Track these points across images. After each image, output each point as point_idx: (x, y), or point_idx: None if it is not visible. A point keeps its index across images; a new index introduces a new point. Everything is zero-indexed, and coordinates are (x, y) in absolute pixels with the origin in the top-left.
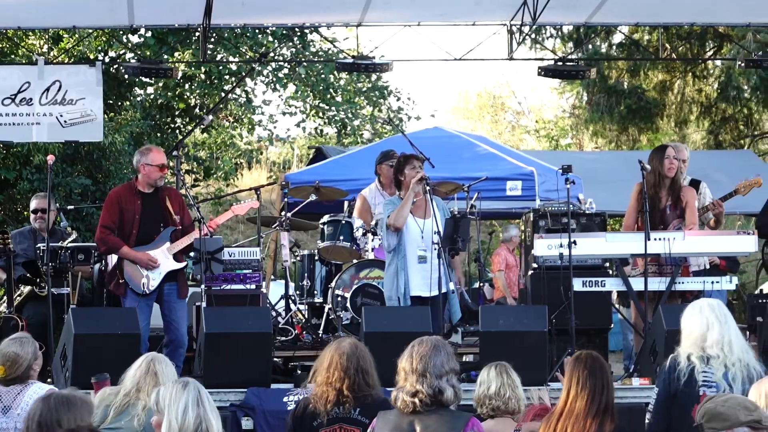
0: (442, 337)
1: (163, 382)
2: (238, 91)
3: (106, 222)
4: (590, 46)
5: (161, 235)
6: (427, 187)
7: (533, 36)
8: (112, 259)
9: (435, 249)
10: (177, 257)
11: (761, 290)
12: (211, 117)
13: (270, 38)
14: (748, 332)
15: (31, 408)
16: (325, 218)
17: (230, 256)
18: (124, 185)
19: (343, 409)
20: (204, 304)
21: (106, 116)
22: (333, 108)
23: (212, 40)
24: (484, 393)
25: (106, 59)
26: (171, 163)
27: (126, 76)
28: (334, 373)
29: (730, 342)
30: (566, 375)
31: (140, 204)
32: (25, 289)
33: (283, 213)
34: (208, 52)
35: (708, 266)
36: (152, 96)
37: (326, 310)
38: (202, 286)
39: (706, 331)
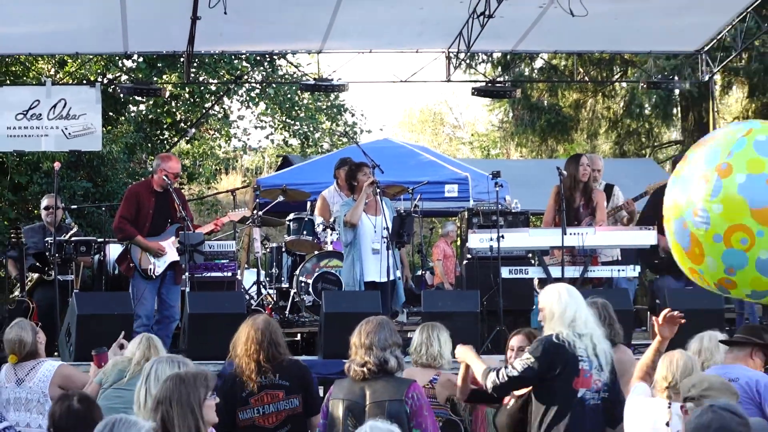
0: (387, 317)
1: (162, 352)
2: (217, 108)
3: (124, 213)
4: (516, 70)
5: (169, 230)
6: (378, 190)
7: (468, 61)
8: (109, 251)
9: (385, 242)
10: (178, 250)
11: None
12: (194, 130)
13: (244, 63)
14: (649, 313)
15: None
16: (291, 216)
17: (210, 248)
18: (141, 183)
19: (266, 377)
20: (188, 289)
21: (104, 129)
22: (297, 123)
23: (195, 64)
24: (412, 348)
25: (105, 81)
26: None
27: (121, 95)
28: (251, 346)
29: (591, 321)
30: None
31: (154, 201)
32: (34, 276)
33: (255, 211)
34: (192, 74)
35: (619, 257)
36: (144, 112)
37: (292, 294)
38: (186, 274)
39: (574, 312)
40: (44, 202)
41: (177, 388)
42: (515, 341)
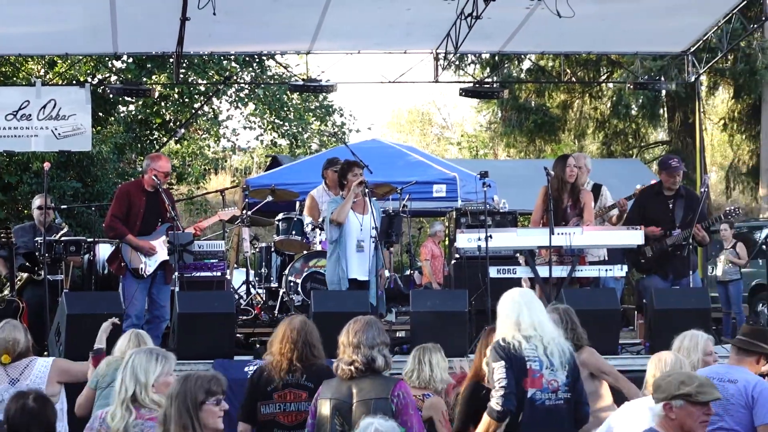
0: (375, 316)
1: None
2: (206, 108)
3: (115, 212)
4: (504, 71)
5: (159, 229)
6: (366, 190)
7: (456, 62)
8: (98, 251)
9: (373, 241)
10: (168, 249)
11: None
12: (183, 130)
13: (233, 64)
14: (636, 312)
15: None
16: (280, 216)
17: (199, 248)
18: (132, 183)
19: (294, 376)
20: (177, 289)
21: (94, 130)
22: (286, 123)
23: (184, 65)
24: (404, 372)
25: (94, 81)
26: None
27: (111, 96)
28: (286, 345)
29: (542, 323)
30: None
31: (145, 200)
32: (24, 275)
33: (244, 211)
34: (181, 75)
35: (606, 257)
36: (133, 112)
37: (281, 293)
38: (176, 274)
39: (518, 316)
40: (37, 202)
41: (178, 387)
42: None
